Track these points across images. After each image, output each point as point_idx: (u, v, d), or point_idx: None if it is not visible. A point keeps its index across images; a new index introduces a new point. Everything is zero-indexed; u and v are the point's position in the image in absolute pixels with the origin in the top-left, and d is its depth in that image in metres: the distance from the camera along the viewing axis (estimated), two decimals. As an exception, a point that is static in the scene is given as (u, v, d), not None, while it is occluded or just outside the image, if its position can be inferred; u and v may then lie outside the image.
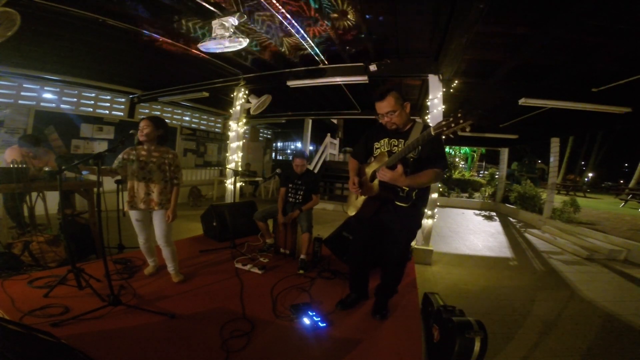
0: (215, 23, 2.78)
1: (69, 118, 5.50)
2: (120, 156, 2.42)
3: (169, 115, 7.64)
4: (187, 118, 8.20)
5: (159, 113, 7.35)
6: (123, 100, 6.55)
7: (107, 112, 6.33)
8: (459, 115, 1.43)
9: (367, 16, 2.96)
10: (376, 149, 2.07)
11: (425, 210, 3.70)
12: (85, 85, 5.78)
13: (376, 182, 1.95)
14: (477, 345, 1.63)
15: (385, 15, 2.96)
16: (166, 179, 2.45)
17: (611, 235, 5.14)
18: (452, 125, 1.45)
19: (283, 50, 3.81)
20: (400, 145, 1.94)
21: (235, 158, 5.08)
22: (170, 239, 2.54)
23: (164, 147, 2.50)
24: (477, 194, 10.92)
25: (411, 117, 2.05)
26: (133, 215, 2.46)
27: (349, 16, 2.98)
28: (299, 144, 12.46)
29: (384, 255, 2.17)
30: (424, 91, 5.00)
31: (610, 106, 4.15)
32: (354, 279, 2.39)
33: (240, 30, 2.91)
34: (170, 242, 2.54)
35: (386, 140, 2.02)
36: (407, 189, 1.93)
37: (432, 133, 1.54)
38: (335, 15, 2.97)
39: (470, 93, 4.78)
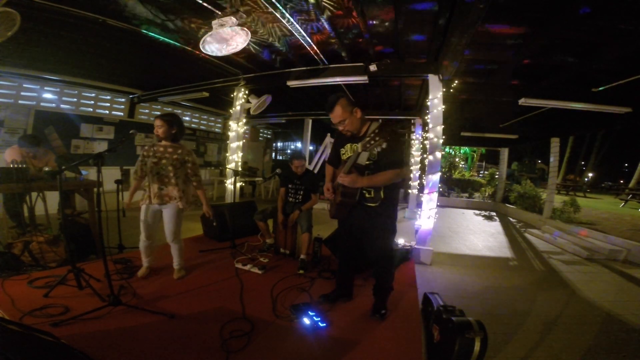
0: (215, 23, 2.77)
1: (69, 118, 5.50)
2: (140, 156, 2.51)
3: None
4: (187, 118, 8.20)
5: (159, 113, 7.33)
6: (123, 100, 6.55)
7: (107, 112, 6.32)
8: (376, 133, 1.81)
9: (368, 16, 2.96)
10: (342, 154, 2.18)
11: (426, 211, 3.72)
12: (85, 85, 5.77)
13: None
14: (477, 345, 1.63)
15: (386, 15, 2.96)
16: (178, 175, 2.50)
17: (611, 235, 5.14)
18: (372, 142, 1.81)
19: (283, 50, 3.81)
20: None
21: (235, 158, 5.08)
22: (179, 236, 2.61)
23: (178, 144, 2.59)
24: (477, 194, 10.92)
25: (367, 118, 2.14)
26: (142, 210, 2.50)
27: (350, 16, 2.98)
28: (299, 144, 12.45)
29: (368, 256, 2.21)
30: (424, 91, 5.00)
31: (610, 106, 4.15)
32: (339, 277, 2.48)
33: (240, 30, 2.90)
34: (179, 239, 2.62)
35: (349, 145, 2.13)
36: (373, 190, 2.01)
37: (359, 151, 1.89)
38: (336, 15, 2.97)
39: (471, 94, 4.78)
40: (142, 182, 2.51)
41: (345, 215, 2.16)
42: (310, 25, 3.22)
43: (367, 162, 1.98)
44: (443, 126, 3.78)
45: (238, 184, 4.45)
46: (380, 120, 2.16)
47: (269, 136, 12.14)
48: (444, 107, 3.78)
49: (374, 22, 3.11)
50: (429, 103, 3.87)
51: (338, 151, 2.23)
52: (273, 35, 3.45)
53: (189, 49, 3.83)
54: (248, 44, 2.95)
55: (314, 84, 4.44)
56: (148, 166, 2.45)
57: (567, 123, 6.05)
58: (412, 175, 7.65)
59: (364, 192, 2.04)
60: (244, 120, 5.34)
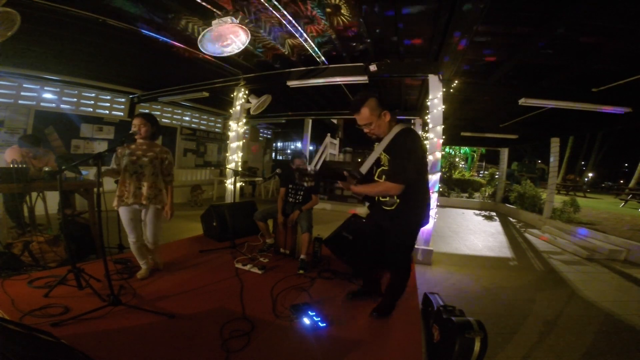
0: (215, 23, 2.78)
1: (69, 118, 5.51)
2: (115, 154, 2.42)
3: (168, 115, 7.64)
4: (187, 118, 8.19)
5: (159, 113, 7.35)
6: (123, 100, 6.55)
7: (107, 112, 6.33)
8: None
9: (368, 16, 2.97)
10: (374, 151, 2.14)
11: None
12: (85, 85, 5.77)
13: None
14: (477, 345, 1.63)
15: (386, 15, 2.96)
16: (157, 174, 2.46)
17: (611, 235, 5.14)
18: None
19: (283, 50, 3.81)
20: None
21: (235, 158, 5.08)
22: (158, 240, 2.58)
23: (155, 142, 2.56)
24: (477, 194, 10.92)
25: (398, 118, 2.02)
26: (123, 212, 2.43)
27: (349, 16, 2.98)
28: (299, 144, 12.46)
29: (385, 257, 2.17)
30: (424, 91, 5.00)
31: (610, 106, 4.15)
32: (364, 275, 2.45)
33: (240, 30, 2.89)
34: (157, 243, 2.59)
35: (376, 144, 2.08)
36: (388, 196, 1.98)
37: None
38: (336, 15, 2.97)
39: (471, 94, 4.78)
40: (113, 175, 2.44)
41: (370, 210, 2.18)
42: (310, 26, 3.23)
43: (383, 168, 1.94)
44: (443, 126, 3.78)
45: (238, 184, 4.45)
46: (411, 122, 2.09)
47: (269, 136, 12.15)
48: (444, 107, 3.78)
49: (374, 22, 3.11)
50: (429, 103, 3.87)
51: (374, 146, 2.19)
52: (274, 36, 3.45)
53: (190, 49, 3.83)
54: (251, 47, 2.95)
55: (314, 84, 4.45)
56: (123, 165, 2.38)
57: (567, 123, 6.05)
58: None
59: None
60: (244, 120, 5.34)
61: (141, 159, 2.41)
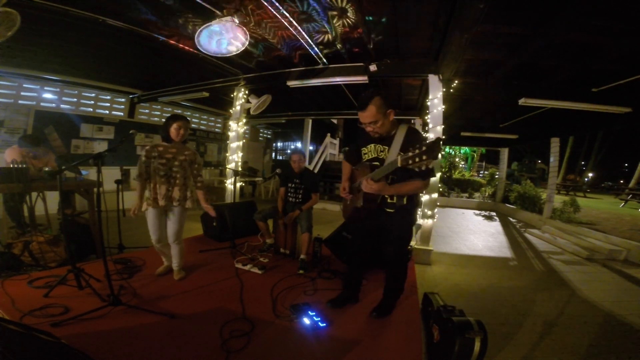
0: (215, 22, 2.77)
1: (69, 118, 5.51)
2: (142, 157, 2.40)
3: (169, 115, 7.64)
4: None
5: (159, 113, 7.35)
6: (123, 100, 6.56)
7: (107, 112, 6.34)
8: (424, 149, 1.47)
9: (368, 17, 2.96)
10: (364, 154, 2.08)
11: (426, 211, 3.72)
12: (85, 85, 5.78)
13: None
14: (477, 345, 1.63)
15: (386, 16, 2.96)
16: (186, 176, 2.51)
17: (611, 235, 5.14)
18: (417, 160, 1.50)
19: (283, 50, 3.81)
20: (385, 151, 1.94)
21: (235, 158, 5.08)
22: (181, 237, 2.59)
23: (185, 145, 2.58)
24: (477, 194, 10.92)
25: (397, 119, 1.99)
26: (150, 213, 2.45)
27: (349, 16, 2.98)
28: (299, 144, 12.47)
29: (383, 256, 2.19)
30: (424, 91, 5.00)
31: (610, 106, 4.15)
32: (348, 280, 2.42)
33: (240, 30, 2.89)
34: (181, 240, 2.60)
35: (372, 146, 2.02)
36: (397, 196, 1.94)
37: (399, 165, 1.56)
38: (336, 15, 2.97)
39: (471, 94, 4.78)
40: (146, 184, 2.44)
41: (362, 218, 2.13)
42: (310, 26, 3.22)
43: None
44: (443, 126, 3.78)
45: (238, 184, 4.45)
46: (411, 122, 2.01)
47: (269, 136, 12.15)
48: (444, 107, 3.78)
49: (374, 22, 3.11)
50: (429, 103, 3.87)
51: (359, 150, 2.12)
52: (274, 37, 3.45)
53: (191, 49, 3.83)
54: (251, 47, 2.95)
55: (314, 84, 4.45)
56: (153, 167, 2.39)
57: (567, 123, 6.06)
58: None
59: (386, 196, 1.97)
60: (244, 120, 5.34)
61: (172, 162, 2.43)
